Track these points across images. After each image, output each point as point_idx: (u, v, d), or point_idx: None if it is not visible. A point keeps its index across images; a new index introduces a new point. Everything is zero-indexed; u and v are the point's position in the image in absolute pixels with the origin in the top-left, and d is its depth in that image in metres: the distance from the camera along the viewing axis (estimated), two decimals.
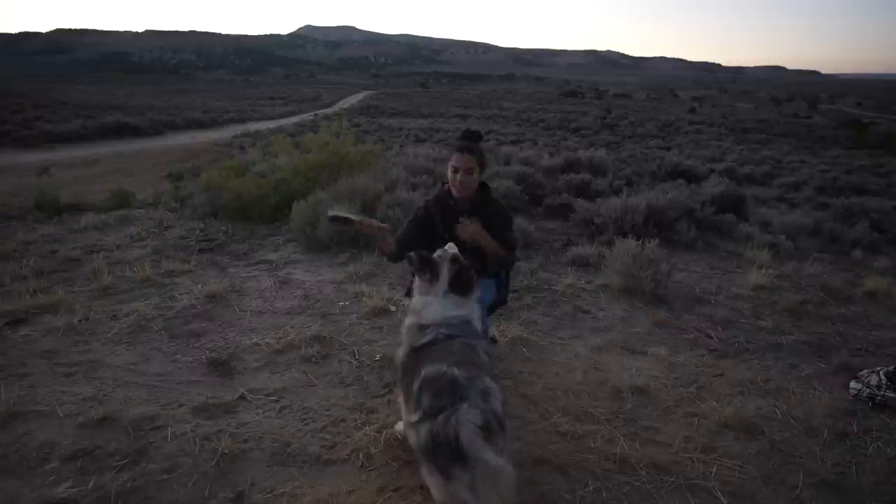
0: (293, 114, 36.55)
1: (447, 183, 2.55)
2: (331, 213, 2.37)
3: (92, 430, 2.16)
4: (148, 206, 6.58)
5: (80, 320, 3.08)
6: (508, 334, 3.02)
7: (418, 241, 2.45)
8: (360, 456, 2.06)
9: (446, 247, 2.11)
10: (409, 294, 2.59)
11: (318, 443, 2.14)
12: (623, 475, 2.02)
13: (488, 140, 19.39)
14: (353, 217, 2.33)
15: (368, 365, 2.71)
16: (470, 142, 2.50)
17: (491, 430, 1.49)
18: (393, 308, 3.33)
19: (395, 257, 2.45)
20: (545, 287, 3.77)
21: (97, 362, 2.67)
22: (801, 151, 21.45)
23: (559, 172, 7.68)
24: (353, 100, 56.56)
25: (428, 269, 1.96)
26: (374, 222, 2.38)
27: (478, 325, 1.95)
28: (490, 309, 2.54)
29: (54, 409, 2.28)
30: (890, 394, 2.54)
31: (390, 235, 2.44)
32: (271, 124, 26.90)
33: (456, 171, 2.46)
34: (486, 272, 2.47)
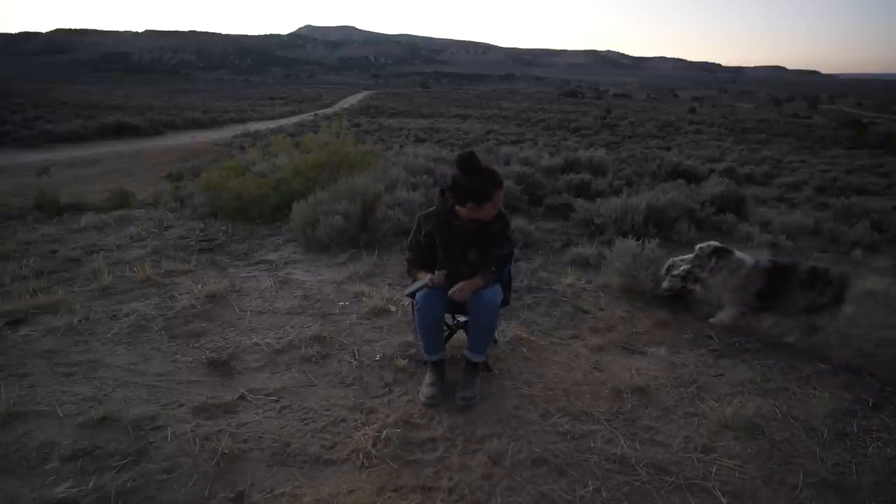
0: (293, 114, 36.54)
1: (447, 192, 2.42)
2: (406, 292, 2.46)
3: (92, 430, 2.16)
4: (148, 206, 6.59)
5: (80, 320, 3.08)
6: (508, 334, 3.02)
7: (432, 261, 2.51)
8: (360, 456, 2.06)
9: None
10: (410, 294, 2.61)
11: (318, 443, 2.14)
12: (623, 475, 2.02)
13: (488, 140, 19.39)
14: (426, 283, 2.38)
15: (368, 365, 2.71)
16: (493, 169, 2.36)
17: None
18: (393, 308, 3.33)
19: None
20: (545, 287, 3.77)
21: (97, 362, 2.68)
22: (801, 151, 21.44)
23: (559, 172, 7.69)
24: (353, 100, 56.55)
25: None
26: (440, 275, 2.38)
27: None
28: None
29: (54, 409, 2.28)
30: (692, 285, 3.18)
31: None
32: (271, 124, 26.90)
33: (496, 205, 2.36)
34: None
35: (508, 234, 2.52)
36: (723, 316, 3.29)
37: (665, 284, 3.48)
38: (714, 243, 3.33)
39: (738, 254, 3.24)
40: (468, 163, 2.30)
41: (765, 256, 3.35)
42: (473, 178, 2.30)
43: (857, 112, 55.75)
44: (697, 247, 3.34)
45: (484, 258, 2.45)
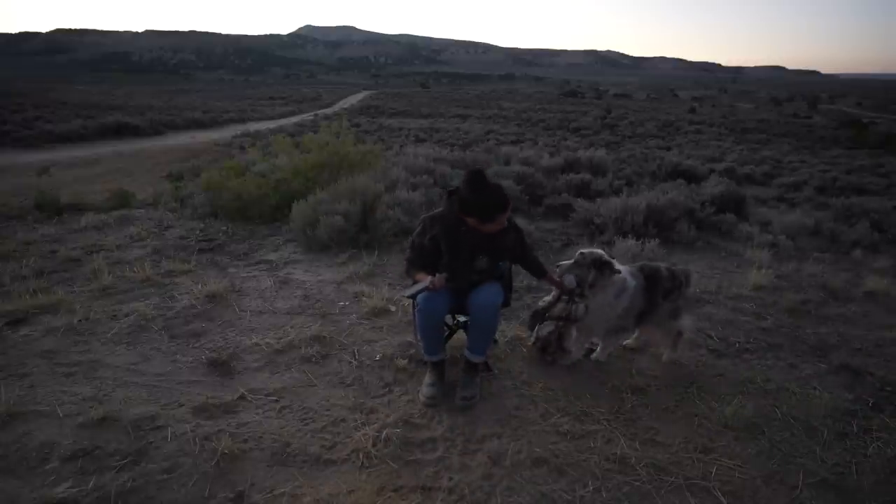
0: (293, 114, 36.48)
1: (454, 193, 2.41)
2: (406, 293, 2.42)
3: (92, 430, 2.16)
4: (148, 206, 6.59)
5: (80, 320, 3.08)
6: (508, 334, 3.02)
7: (433, 264, 2.48)
8: (360, 456, 2.06)
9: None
10: (410, 296, 2.60)
11: (318, 443, 2.14)
12: (623, 475, 2.02)
13: (488, 140, 19.38)
14: (427, 285, 2.32)
15: (368, 365, 2.71)
16: (498, 186, 2.35)
17: None
18: (393, 308, 3.33)
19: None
20: (545, 287, 3.77)
21: (97, 362, 2.68)
22: (801, 151, 21.42)
23: (559, 172, 7.69)
24: (353, 100, 56.46)
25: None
26: (441, 277, 2.34)
27: None
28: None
29: (54, 409, 2.28)
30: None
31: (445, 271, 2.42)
32: (271, 124, 26.86)
33: (501, 223, 2.38)
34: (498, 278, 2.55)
35: (525, 240, 2.64)
36: (599, 351, 2.83)
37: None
38: (597, 251, 2.65)
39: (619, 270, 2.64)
40: (474, 182, 2.32)
41: (633, 268, 2.74)
42: (479, 197, 2.32)
43: (857, 112, 55.67)
44: (578, 253, 2.66)
45: (528, 266, 2.70)
